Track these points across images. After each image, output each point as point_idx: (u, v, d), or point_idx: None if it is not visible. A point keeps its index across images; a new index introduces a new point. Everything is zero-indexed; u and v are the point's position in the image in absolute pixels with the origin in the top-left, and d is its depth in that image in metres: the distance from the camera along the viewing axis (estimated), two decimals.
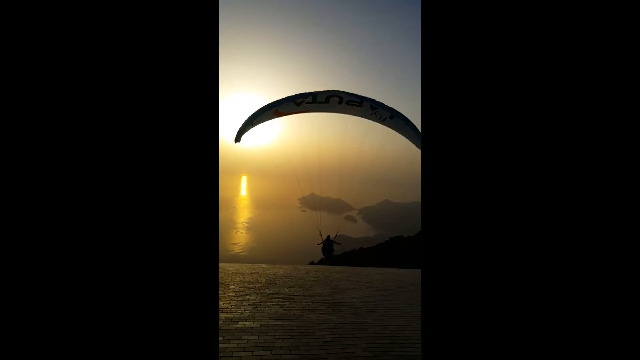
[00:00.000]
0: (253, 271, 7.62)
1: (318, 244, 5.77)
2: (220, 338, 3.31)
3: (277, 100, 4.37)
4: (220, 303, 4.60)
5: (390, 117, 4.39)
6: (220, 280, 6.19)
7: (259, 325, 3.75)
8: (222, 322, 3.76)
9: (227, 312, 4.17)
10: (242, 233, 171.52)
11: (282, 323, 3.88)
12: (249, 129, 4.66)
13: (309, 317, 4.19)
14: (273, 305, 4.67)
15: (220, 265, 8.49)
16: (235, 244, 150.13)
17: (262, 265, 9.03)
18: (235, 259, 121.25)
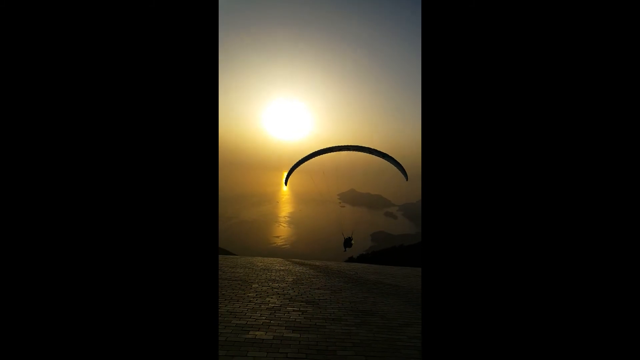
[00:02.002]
0: (282, 267, 7.27)
1: (344, 237, 7.49)
2: (222, 353, 2.89)
3: (310, 154, 6.21)
4: (237, 305, 4.22)
5: (382, 155, 6.36)
6: (244, 277, 5.90)
7: (271, 338, 3.26)
8: (231, 331, 3.35)
9: (240, 318, 3.76)
10: (284, 227, 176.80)
11: (299, 336, 3.35)
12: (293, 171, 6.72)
13: (332, 329, 3.60)
14: (294, 310, 4.17)
15: (251, 259, 8.31)
16: (278, 236, 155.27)
17: (295, 260, 8.68)
18: (276, 251, 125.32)
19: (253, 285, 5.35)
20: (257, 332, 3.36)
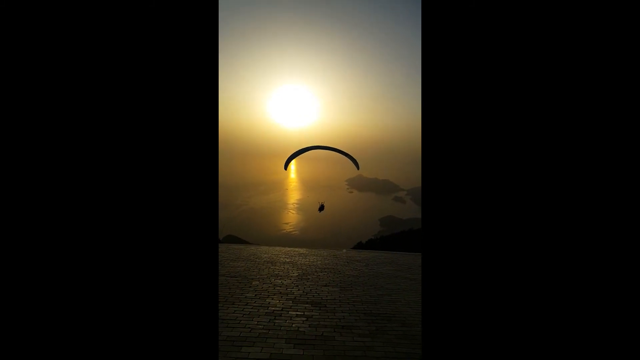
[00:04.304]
0: (287, 259, 6.72)
1: (320, 203, 8.86)
2: None
3: (304, 148, 7.24)
4: (232, 310, 3.65)
5: (340, 152, 7.34)
6: (245, 273, 5.35)
7: (267, 356, 2.67)
8: (219, 347, 2.77)
9: (233, 327, 3.18)
10: (293, 213, 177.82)
11: (301, 353, 2.75)
12: (294, 158, 7.40)
13: (342, 341, 3.00)
14: (297, 315, 3.58)
15: (256, 250, 7.81)
16: (287, 223, 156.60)
17: (301, 250, 8.13)
18: (286, 237, 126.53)
19: (253, 283, 4.79)
20: (250, 349, 2.77)
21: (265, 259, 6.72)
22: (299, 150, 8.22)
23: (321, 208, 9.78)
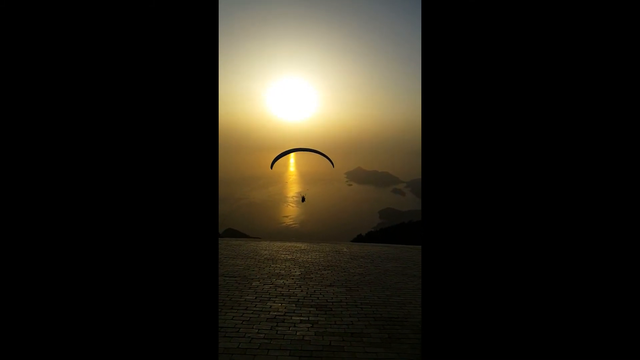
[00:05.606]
0: (288, 256, 6.44)
1: (301, 195, 10.29)
2: None
3: (286, 151, 7.88)
4: (230, 316, 3.37)
5: (318, 152, 8.40)
6: (244, 272, 5.07)
7: None
8: None
9: (231, 338, 2.89)
10: (292, 206, 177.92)
11: None
12: (278, 159, 7.90)
13: (352, 352, 2.71)
14: (302, 321, 3.29)
15: (255, 246, 7.53)
16: (287, 216, 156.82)
17: (302, 246, 7.85)
18: (286, 230, 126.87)
19: (253, 283, 4.50)
20: None
21: (265, 255, 6.43)
22: (282, 153, 8.47)
23: (303, 199, 11.20)
